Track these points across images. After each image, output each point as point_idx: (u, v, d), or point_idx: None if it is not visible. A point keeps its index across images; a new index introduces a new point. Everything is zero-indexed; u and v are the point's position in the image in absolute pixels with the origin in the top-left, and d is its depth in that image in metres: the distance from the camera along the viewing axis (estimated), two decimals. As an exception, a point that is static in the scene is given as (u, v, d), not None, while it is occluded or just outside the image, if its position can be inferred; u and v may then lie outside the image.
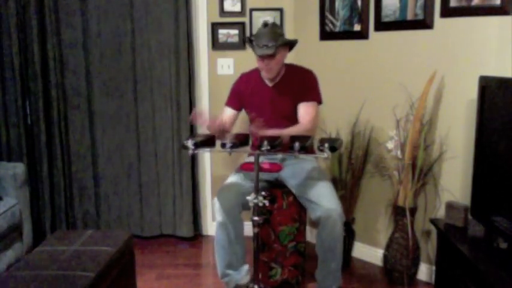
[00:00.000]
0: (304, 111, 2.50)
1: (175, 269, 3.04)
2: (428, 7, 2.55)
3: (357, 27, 2.91)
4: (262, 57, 2.41)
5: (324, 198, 2.33)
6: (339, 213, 2.31)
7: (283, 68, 2.55)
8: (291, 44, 2.50)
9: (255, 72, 2.59)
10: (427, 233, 2.75)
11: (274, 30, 2.41)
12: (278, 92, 2.54)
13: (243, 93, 2.62)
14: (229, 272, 2.46)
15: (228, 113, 2.65)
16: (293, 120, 2.48)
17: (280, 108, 2.51)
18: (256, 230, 2.26)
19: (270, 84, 2.56)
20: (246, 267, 2.49)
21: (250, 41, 2.44)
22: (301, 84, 2.54)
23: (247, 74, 2.68)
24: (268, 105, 2.54)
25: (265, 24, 2.43)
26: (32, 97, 3.27)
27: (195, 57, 3.32)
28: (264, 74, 2.51)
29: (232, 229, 2.38)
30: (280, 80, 2.56)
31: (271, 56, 2.39)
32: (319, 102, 2.57)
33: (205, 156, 3.45)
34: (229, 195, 2.40)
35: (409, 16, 2.64)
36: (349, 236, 3.01)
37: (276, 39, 2.37)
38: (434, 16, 2.55)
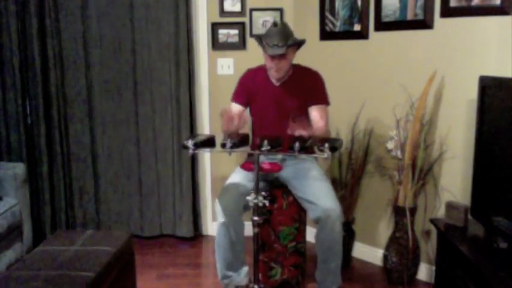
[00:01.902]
0: (318, 115, 2.49)
1: (175, 269, 3.04)
2: (428, 7, 2.54)
3: (357, 27, 2.91)
4: (272, 57, 2.39)
5: (323, 199, 2.33)
6: (338, 213, 2.31)
7: (290, 67, 2.53)
8: (299, 44, 2.48)
9: (262, 69, 2.56)
10: (427, 233, 2.75)
11: (285, 30, 2.39)
12: (284, 91, 2.53)
13: (250, 88, 2.59)
14: (230, 273, 2.46)
15: (235, 109, 2.58)
16: None
17: (285, 108, 2.48)
18: (256, 230, 2.26)
19: (276, 83, 2.55)
20: (245, 268, 2.49)
21: (261, 41, 2.40)
22: (310, 87, 2.52)
23: (254, 70, 2.65)
24: (273, 105, 2.52)
25: (275, 24, 2.40)
26: (32, 97, 3.27)
27: (195, 57, 3.32)
28: (273, 74, 2.49)
29: (233, 231, 2.37)
30: (287, 79, 2.54)
31: (282, 56, 2.37)
32: (328, 104, 2.57)
33: (205, 156, 3.45)
34: (230, 197, 2.39)
35: (409, 16, 2.64)
36: (349, 236, 3.01)
37: (287, 38, 2.35)
38: (434, 16, 2.54)
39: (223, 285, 2.52)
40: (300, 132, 2.16)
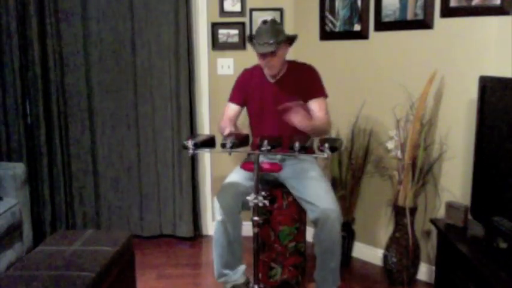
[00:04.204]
0: (317, 106, 2.49)
1: (175, 269, 3.04)
2: (428, 7, 2.55)
3: (357, 27, 2.91)
4: (263, 55, 2.40)
5: (322, 200, 2.32)
6: (337, 214, 2.30)
7: (285, 64, 2.54)
8: (291, 40, 2.49)
9: (258, 68, 2.57)
10: (427, 233, 2.75)
11: (274, 27, 2.39)
12: (281, 88, 2.53)
13: (247, 88, 2.61)
14: (226, 271, 2.46)
15: (232, 108, 2.61)
16: None
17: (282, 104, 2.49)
18: (256, 230, 2.26)
19: (272, 80, 2.56)
20: (242, 267, 2.50)
21: (251, 40, 2.43)
22: (306, 81, 2.52)
23: (250, 70, 2.66)
24: (271, 102, 2.52)
25: (265, 22, 2.41)
26: (32, 97, 3.26)
27: (195, 57, 3.32)
28: (266, 71, 2.50)
29: (231, 229, 2.38)
30: (282, 76, 2.55)
31: (272, 53, 2.38)
32: (327, 96, 2.57)
33: (205, 156, 3.45)
34: (229, 195, 2.40)
35: (409, 16, 2.64)
36: (349, 236, 3.01)
37: (277, 35, 2.36)
38: (434, 16, 2.54)
39: (220, 284, 2.52)
40: (297, 119, 2.16)
